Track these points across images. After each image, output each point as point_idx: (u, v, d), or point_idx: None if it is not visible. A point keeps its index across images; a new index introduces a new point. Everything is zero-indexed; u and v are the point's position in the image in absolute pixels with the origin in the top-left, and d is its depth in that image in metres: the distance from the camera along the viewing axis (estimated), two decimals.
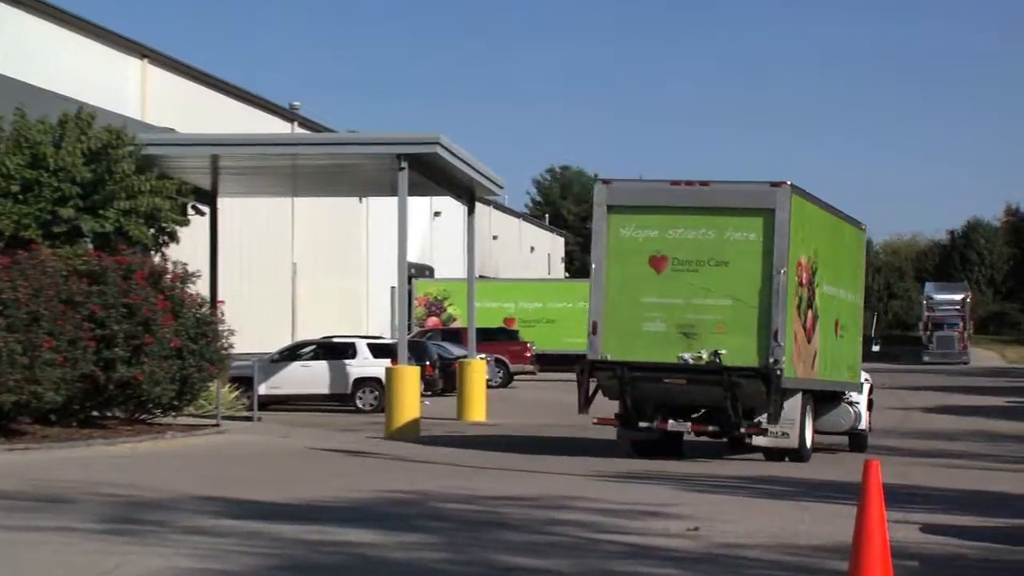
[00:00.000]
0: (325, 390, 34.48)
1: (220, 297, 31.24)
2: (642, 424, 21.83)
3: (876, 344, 51.03)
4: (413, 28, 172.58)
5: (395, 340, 32.99)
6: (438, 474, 19.21)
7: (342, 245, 56.06)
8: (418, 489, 16.89)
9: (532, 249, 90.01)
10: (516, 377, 49.11)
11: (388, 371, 27.97)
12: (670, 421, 21.72)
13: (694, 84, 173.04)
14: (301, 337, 44.03)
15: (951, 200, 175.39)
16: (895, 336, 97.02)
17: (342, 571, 11.34)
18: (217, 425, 25.82)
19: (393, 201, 29.37)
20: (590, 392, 21.97)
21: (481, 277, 57.26)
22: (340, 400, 34.45)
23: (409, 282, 38.46)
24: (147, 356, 23.46)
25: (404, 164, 27.78)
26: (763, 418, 21.44)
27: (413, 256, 54.63)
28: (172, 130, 34.80)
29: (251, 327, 37.04)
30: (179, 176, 29.43)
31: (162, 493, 15.93)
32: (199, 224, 31.58)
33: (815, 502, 16.37)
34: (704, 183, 21.97)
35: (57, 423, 23.38)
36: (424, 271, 63.32)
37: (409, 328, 44.77)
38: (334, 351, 35.03)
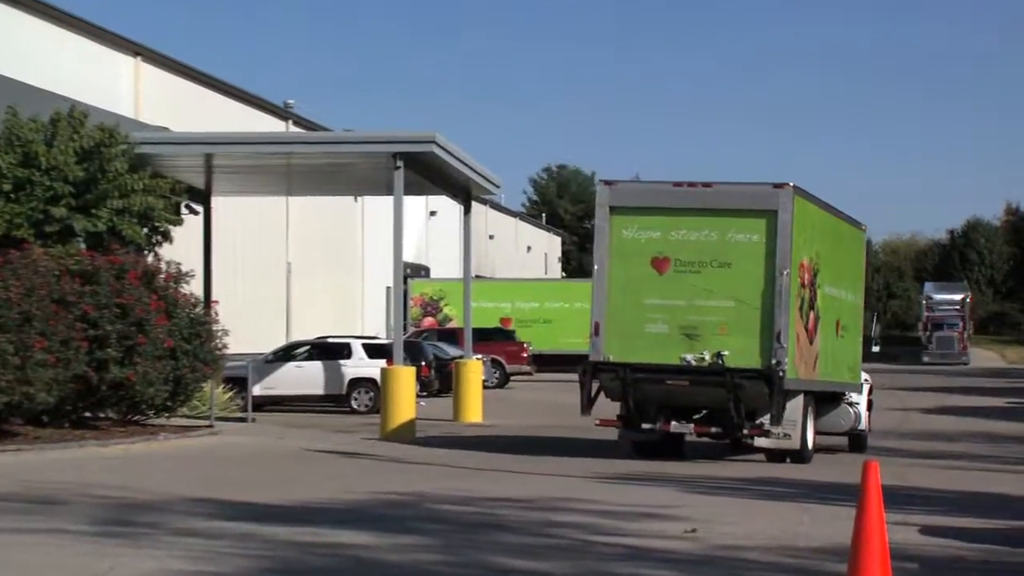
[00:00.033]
0: (320, 391, 34.40)
1: (214, 297, 31.18)
2: (645, 426, 21.89)
3: (876, 344, 51.05)
4: (408, 26, 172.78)
5: (391, 340, 32.91)
6: (434, 475, 19.15)
7: (337, 245, 55.96)
8: (414, 491, 16.82)
9: (529, 249, 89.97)
10: (513, 378, 49.07)
11: (383, 372, 27.88)
12: (672, 423, 21.77)
13: (692, 83, 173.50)
14: (296, 337, 43.95)
15: (951, 199, 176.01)
16: (894, 336, 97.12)
17: (336, 574, 11.26)
18: (211, 426, 25.72)
19: (389, 200, 29.27)
20: (592, 393, 21.99)
21: (477, 277, 57.15)
22: (335, 401, 34.36)
23: (405, 282, 38.45)
24: (140, 357, 23.34)
25: (400, 163, 27.68)
26: (765, 419, 21.50)
27: (409, 256, 54.51)
28: (166, 129, 34.69)
29: (245, 327, 36.89)
30: (173, 175, 29.31)
31: (155, 495, 15.86)
32: (193, 223, 31.47)
33: (815, 503, 16.34)
34: (707, 184, 22.02)
35: (49, 424, 23.25)
36: (420, 271, 63.28)
37: (405, 328, 44.65)
38: (329, 351, 34.93)
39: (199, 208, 32.15)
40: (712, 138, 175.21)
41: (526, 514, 14.74)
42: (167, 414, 25.28)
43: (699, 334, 21.50)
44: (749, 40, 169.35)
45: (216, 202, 34.43)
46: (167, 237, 27.36)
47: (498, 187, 34.54)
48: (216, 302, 28.43)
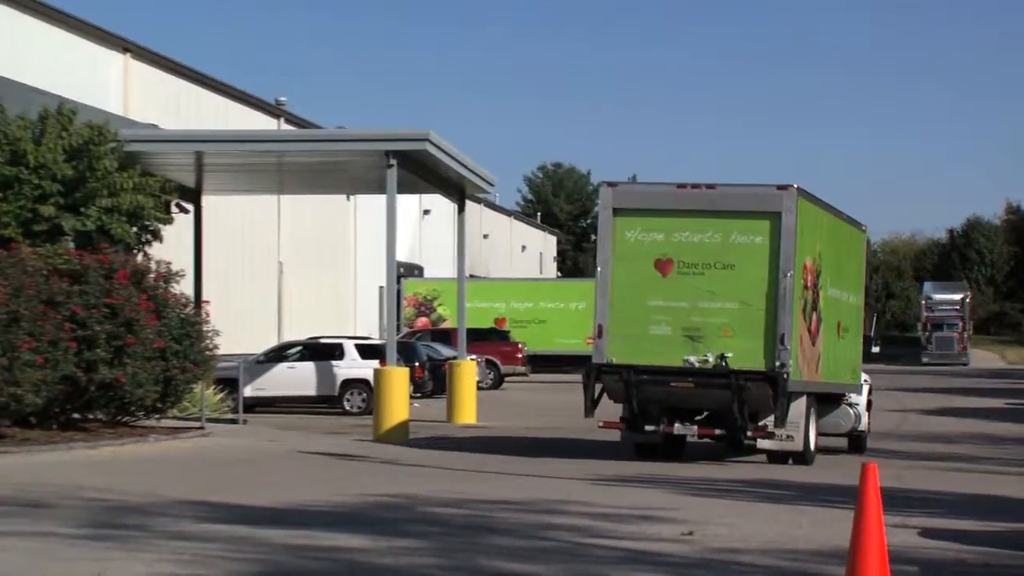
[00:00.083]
0: (312, 392, 34.25)
1: (204, 297, 31.08)
2: (648, 427, 21.86)
3: (876, 345, 50.99)
4: (402, 23, 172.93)
5: (383, 341, 32.74)
6: (427, 477, 19.05)
7: (329, 244, 55.81)
8: (407, 493, 16.72)
9: (523, 248, 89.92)
10: (507, 378, 48.93)
11: (376, 372, 27.76)
12: (676, 424, 21.74)
13: (689, 82, 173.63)
14: (287, 338, 43.84)
15: (951, 198, 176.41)
16: (894, 337, 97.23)
17: None
18: (201, 428, 25.57)
19: (381, 199, 29.14)
20: (596, 395, 21.95)
21: (471, 276, 57.03)
22: (327, 402, 34.23)
23: (398, 282, 38.28)
24: (130, 357, 23.18)
25: (393, 161, 27.54)
26: (769, 421, 21.47)
27: (402, 255, 54.31)
28: (155, 126, 34.57)
29: (236, 327, 36.74)
30: (162, 173, 29.16)
31: (145, 497, 15.74)
32: (183, 222, 31.29)
33: (813, 506, 16.26)
34: (710, 186, 21.98)
35: (38, 426, 23.09)
36: (413, 270, 63.13)
37: (398, 328, 44.50)
38: (321, 352, 34.77)
39: (189, 207, 32.02)
40: (710, 137, 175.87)
41: (521, 516, 14.66)
42: (157, 415, 25.13)
43: (702, 336, 21.46)
44: (748, 39, 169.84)
45: (207, 201, 34.29)
46: (157, 236, 27.25)
47: (492, 185, 34.45)
48: (207, 302, 28.30)
